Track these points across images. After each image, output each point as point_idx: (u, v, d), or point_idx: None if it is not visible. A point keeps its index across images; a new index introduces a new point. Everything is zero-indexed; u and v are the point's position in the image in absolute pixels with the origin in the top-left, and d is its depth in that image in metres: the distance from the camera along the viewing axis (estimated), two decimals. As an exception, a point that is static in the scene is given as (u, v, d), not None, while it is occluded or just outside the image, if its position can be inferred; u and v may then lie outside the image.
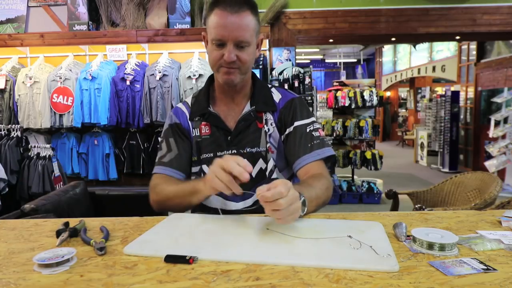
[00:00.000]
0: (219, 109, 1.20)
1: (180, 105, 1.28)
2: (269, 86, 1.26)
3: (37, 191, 3.09)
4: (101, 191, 2.27)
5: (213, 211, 1.16)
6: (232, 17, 1.03)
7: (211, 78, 1.25)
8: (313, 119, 1.20)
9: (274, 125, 1.19)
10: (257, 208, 1.11)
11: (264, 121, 1.18)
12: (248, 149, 1.16)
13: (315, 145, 1.13)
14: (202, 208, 1.18)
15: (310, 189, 0.97)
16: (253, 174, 1.14)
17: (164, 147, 1.20)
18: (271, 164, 1.18)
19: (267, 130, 1.18)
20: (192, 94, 1.29)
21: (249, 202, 1.15)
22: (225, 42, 1.05)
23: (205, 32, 1.14)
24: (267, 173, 1.17)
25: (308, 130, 1.15)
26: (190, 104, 1.25)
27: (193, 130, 1.20)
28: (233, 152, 1.15)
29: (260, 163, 1.16)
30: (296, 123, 1.16)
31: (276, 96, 1.23)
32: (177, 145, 1.18)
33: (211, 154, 1.16)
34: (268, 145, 1.17)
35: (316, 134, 1.15)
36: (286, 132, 1.17)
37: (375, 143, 5.60)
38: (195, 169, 1.20)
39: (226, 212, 1.12)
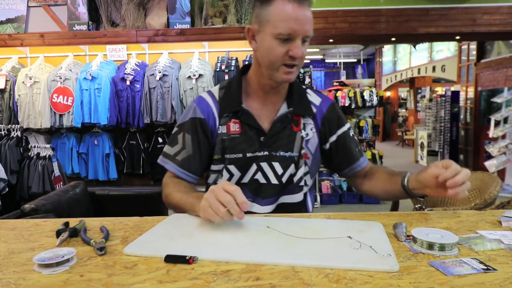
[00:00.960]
0: (251, 107, 1.10)
1: (205, 96, 1.15)
2: (303, 87, 1.19)
3: (37, 191, 3.09)
4: (101, 191, 2.27)
5: None
6: (302, 9, 0.95)
7: (243, 71, 1.16)
8: (348, 124, 1.21)
9: (314, 130, 1.13)
10: (275, 212, 1.10)
11: (301, 125, 1.12)
12: (281, 153, 1.09)
13: (361, 149, 1.21)
14: None
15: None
16: (283, 180, 1.10)
17: (180, 142, 1.11)
18: (302, 170, 1.12)
19: (304, 136, 1.12)
20: (220, 84, 1.17)
21: (272, 207, 1.11)
22: (294, 37, 0.96)
23: (254, 25, 1.02)
24: (295, 179, 1.11)
25: (351, 135, 1.19)
26: (217, 97, 1.13)
27: (220, 127, 1.10)
28: (265, 154, 1.09)
29: (291, 169, 1.10)
30: (343, 129, 1.17)
31: (314, 98, 1.17)
32: (193, 144, 1.10)
33: (240, 155, 1.08)
34: (303, 151, 1.11)
35: (355, 139, 1.22)
36: (334, 139, 1.15)
37: (375, 143, 5.60)
38: (217, 167, 1.12)
39: (247, 213, 1.09)
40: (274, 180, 1.10)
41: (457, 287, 0.58)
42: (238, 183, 1.10)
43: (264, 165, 1.09)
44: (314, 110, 1.15)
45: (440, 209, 2.18)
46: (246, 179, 1.10)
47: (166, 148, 1.14)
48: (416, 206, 2.39)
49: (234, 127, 1.10)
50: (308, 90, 1.19)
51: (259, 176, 1.09)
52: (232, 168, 1.10)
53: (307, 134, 1.12)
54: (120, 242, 0.80)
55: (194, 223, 0.90)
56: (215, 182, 1.13)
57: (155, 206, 2.25)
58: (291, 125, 1.11)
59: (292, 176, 1.11)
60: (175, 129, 1.15)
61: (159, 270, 0.65)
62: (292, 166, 1.10)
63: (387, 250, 0.71)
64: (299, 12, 0.95)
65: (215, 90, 1.16)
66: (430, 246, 0.72)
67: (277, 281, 0.61)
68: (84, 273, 0.65)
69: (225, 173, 1.11)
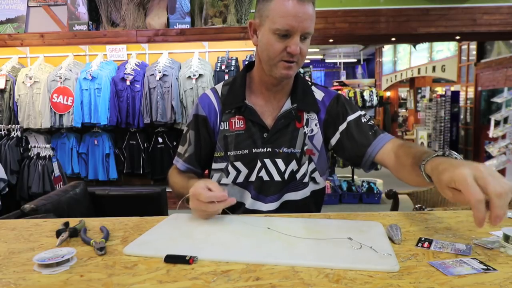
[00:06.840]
0: (255, 103, 1.11)
1: (209, 93, 1.17)
2: (309, 83, 1.18)
3: (37, 191, 3.09)
4: (101, 191, 2.27)
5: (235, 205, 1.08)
6: (301, 5, 0.95)
7: (247, 67, 1.16)
8: (361, 112, 1.14)
9: (318, 125, 1.12)
10: (280, 211, 1.10)
11: (304, 121, 1.11)
12: (284, 149, 1.09)
13: (378, 131, 1.09)
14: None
15: (426, 149, 0.88)
16: (285, 177, 1.10)
17: (187, 139, 1.16)
18: (304, 167, 1.11)
19: (307, 131, 1.11)
20: (224, 81, 1.18)
21: (276, 205, 1.10)
22: (291, 34, 0.96)
23: (256, 20, 1.03)
24: (297, 176, 1.11)
25: (363, 121, 1.11)
26: (220, 93, 1.14)
27: (222, 123, 1.11)
28: (268, 150, 1.09)
29: (293, 165, 1.10)
30: (349, 118, 1.11)
31: (318, 94, 1.15)
32: (195, 140, 1.14)
33: (246, 151, 1.09)
34: (306, 147, 1.11)
35: (371, 123, 1.12)
36: (341, 130, 1.10)
37: (375, 143, 5.60)
38: (219, 166, 1.13)
39: (249, 211, 1.09)
40: (277, 177, 1.10)
41: (457, 287, 0.58)
42: (246, 181, 1.10)
43: (268, 161, 1.09)
44: (318, 105, 1.14)
45: (440, 209, 2.18)
46: (253, 177, 1.10)
47: (179, 148, 1.20)
48: (416, 206, 2.39)
49: (239, 123, 1.10)
50: (313, 86, 1.17)
51: (262, 173, 1.09)
52: (238, 164, 1.10)
53: (311, 130, 1.11)
54: (120, 242, 0.80)
55: (194, 223, 0.90)
56: (218, 182, 1.12)
57: (155, 206, 2.25)
58: (294, 122, 1.10)
59: (294, 172, 1.10)
60: (185, 128, 1.20)
61: (159, 270, 0.65)
62: (294, 163, 1.10)
63: (387, 250, 0.71)
64: (299, 8, 0.95)
65: (219, 86, 1.17)
66: None
67: (277, 281, 0.61)
68: (84, 273, 0.65)
69: (231, 170, 1.11)
